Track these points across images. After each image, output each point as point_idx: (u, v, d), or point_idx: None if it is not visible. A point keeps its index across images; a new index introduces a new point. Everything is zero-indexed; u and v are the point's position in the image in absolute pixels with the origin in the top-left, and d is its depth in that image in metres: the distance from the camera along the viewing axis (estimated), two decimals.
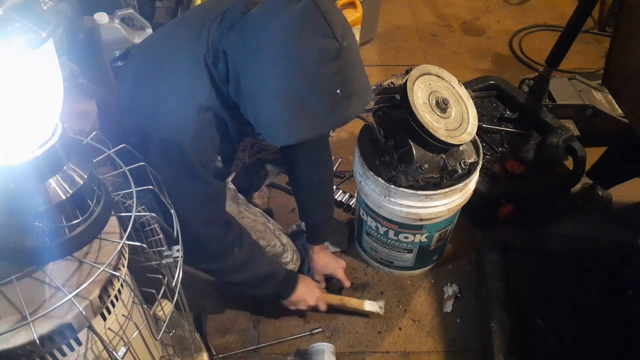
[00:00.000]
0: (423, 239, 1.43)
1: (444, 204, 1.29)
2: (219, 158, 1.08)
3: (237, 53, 0.91)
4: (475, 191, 1.38)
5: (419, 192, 1.26)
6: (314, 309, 1.41)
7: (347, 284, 1.50)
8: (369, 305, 1.46)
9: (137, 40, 1.89)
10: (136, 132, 1.00)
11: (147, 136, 0.98)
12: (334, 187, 1.81)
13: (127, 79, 1.10)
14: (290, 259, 1.47)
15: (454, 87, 1.29)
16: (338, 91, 0.87)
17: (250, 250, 1.24)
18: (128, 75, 1.10)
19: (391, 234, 1.43)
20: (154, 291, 0.81)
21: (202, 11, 1.06)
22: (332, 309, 1.47)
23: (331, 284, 1.53)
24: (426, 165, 1.23)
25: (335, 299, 1.46)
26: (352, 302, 1.46)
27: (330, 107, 0.89)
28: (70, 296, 0.64)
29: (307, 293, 1.37)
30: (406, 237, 1.43)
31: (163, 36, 1.09)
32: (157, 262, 0.84)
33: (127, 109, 1.06)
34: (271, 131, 0.93)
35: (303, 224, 1.50)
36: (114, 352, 0.76)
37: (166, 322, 0.79)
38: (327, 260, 1.49)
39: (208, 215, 1.11)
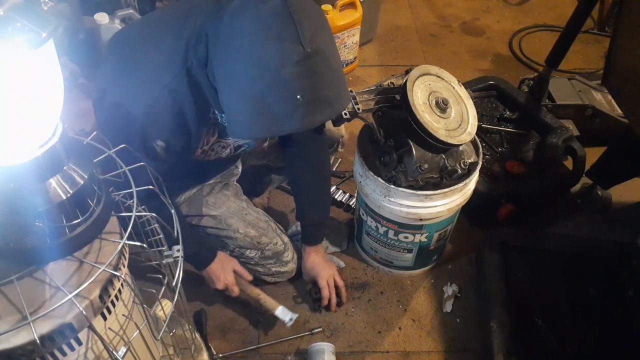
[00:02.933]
0: (423, 239, 1.43)
1: (443, 204, 1.29)
2: (159, 142, 1.07)
3: (213, 39, 0.92)
4: (475, 191, 1.38)
5: (419, 192, 1.26)
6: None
7: (324, 293, 1.44)
8: (281, 312, 1.40)
9: None
10: (100, 88, 1.03)
11: (105, 94, 1.00)
12: (334, 187, 1.81)
13: (110, 48, 1.10)
14: (290, 258, 1.48)
15: (453, 88, 1.29)
16: (298, 96, 0.85)
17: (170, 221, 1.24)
18: (112, 46, 1.10)
19: (391, 234, 1.43)
20: (154, 291, 0.81)
21: None
22: (249, 300, 1.46)
23: (316, 304, 1.50)
24: (426, 165, 1.23)
25: (252, 292, 1.41)
26: (266, 302, 1.41)
27: (290, 111, 0.87)
28: (70, 296, 0.64)
29: (217, 275, 1.34)
30: (406, 237, 1.43)
31: (154, 16, 1.12)
32: (157, 262, 0.84)
33: (101, 70, 1.08)
34: (232, 123, 0.93)
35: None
36: (114, 352, 0.76)
37: (166, 322, 0.79)
38: (316, 264, 1.45)
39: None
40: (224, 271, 1.36)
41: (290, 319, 1.39)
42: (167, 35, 1.00)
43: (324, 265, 1.46)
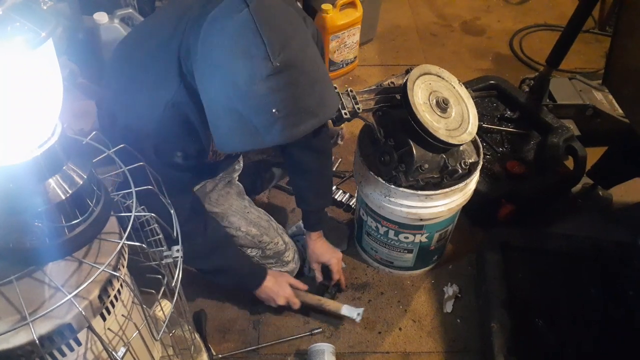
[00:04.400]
0: (423, 239, 1.43)
1: (444, 204, 1.29)
2: (179, 154, 1.07)
3: (193, 53, 0.90)
4: (476, 191, 1.38)
5: (419, 192, 1.26)
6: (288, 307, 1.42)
7: (336, 276, 1.49)
8: (347, 310, 1.42)
9: None
10: (108, 113, 1.04)
11: (115, 119, 1.01)
12: (334, 187, 1.81)
13: (112, 64, 1.10)
14: (291, 257, 1.48)
15: (454, 87, 1.28)
16: (274, 110, 0.83)
17: (214, 243, 1.27)
18: (113, 61, 1.10)
19: (391, 234, 1.43)
20: (153, 291, 0.81)
21: (187, 1, 1.03)
22: (311, 309, 1.47)
23: (330, 288, 1.53)
24: (426, 165, 1.23)
25: (312, 299, 1.44)
26: (329, 304, 1.44)
27: (268, 124, 0.85)
28: (70, 296, 0.64)
29: (274, 291, 1.38)
30: (406, 237, 1.42)
31: (149, 25, 1.10)
32: (157, 262, 0.84)
33: (107, 91, 1.09)
34: (216, 137, 0.92)
35: (302, 224, 1.50)
36: (113, 353, 0.76)
37: (166, 322, 0.79)
38: (324, 249, 1.49)
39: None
40: (279, 286, 1.39)
41: (358, 314, 1.41)
42: (161, 48, 0.99)
43: (333, 250, 1.51)
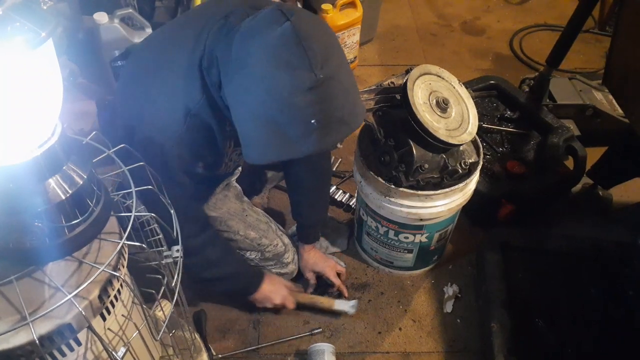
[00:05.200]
0: (423, 239, 1.43)
1: (444, 204, 1.29)
2: (201, 164, 1.09)
3: (224, 64, 0.91)
4: (476, 191, 1.38)
5: (419, 192, 1.26)
6: (283, 307, 1.43)
7: (336, 282, 1.50)
8: (339, 304, 1.45)
9: (137, 40, 1.89)
10: (124, 125, 1.02)
11: (133, 131, 0.99)
12: (334, 187, 1.81)
13: (126, 75, 1.10)
14: (291, 259, 1.48)
15: (454, 87, 1.28)
16: (313, 121, 0.85)
17: (222, 250, 1.27)
18: (127, 72, 1.10)
19: (391, 234, 1.43)
20: (153, 291, 0.81)
21: (206, 12, 1.05)
22: (305, 308, 1.48)
23: (328, 292, 1.53)
24: (426, 165, 1.23)
25: (305, 298, 1.46)
26: (322, 301, 1.46)
27: (304, 134, 0.86)
28: (70, 296, 0.64)
29: (272, 292, 1.38)
30: (406, 237, 1.42)
31: (165, 35, 1.09)
32: (157, 262, 0.84)
33: (121, 102, 1.07)
34: (246, 147, 0.92)
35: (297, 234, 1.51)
36: (113, 353, 0.76)
37: (166, 322, 0.79)
38: (317, 258, 1.50)
39: (184, 213, 1.10)
40: (276, 286, 1.40)
41: (352, 307, 1.44)
42: (180, 58, 0.99)
43: (326, 259, 1.52)
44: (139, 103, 1.01)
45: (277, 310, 1.47)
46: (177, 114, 0.98)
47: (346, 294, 1.52)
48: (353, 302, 1.45)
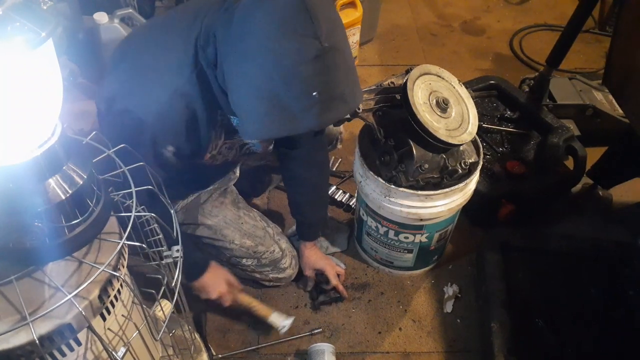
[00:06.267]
0: (423, 239, 1.43)
1: (444, 204, 1.29)
2: (170, 148, 1.05)
3: (223, 39, 0.89)
4: (476, 191, 1.38)
5: (419, 192, 1.26)
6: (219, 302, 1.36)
7: (335, 282, 1.49)
8: (274, 318, 1.38)
9: None
10: (107, 97, 1.01)
11: (114, 102, 0.98)
12: (334, 187, 1.81)
13: (119, 52, 1.08)
14: (288, 264, 1.47)
15: (454, 87, 1.28)
16: (315, 93, 0.84)
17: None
18: (121, 49, 1.08)
19: (391, 234, 1.43)
20: (153, 291, 0.81)
21: None
22: (241, 310, 1.42)
23: (326, 293, 1.53)
24: (426, 165, 1.23)
25: (244, 300, 1.39)
26: (259, 309, 1.40)
27: (306, 108, 0.85)
28: (70, 296, 0.64)
29: (210, 285, 1.31)
30: (406, 237, 1.42)
31: (164, 18, 1.09)
32: (157, 262, 0.84)
33: (110, 77, 1.05)
34: (244, 123, 0.91)
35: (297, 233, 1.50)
36: (113, 353, 0.76)
37: (166, 322, 0.79)
38: (318, 256, 1.49)
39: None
40: (216, 280, 1.33)
41: (284, 326, 1.37)
42: (175, 38, 0.98)
43: (326, 258, 1.52)
44: (126, 78, 1.00)
45: (212, 304, 1.38)
46: (163, 90, 0.96)
47: (345, 295, 1.52)
48: (288, 322, 1.38)
